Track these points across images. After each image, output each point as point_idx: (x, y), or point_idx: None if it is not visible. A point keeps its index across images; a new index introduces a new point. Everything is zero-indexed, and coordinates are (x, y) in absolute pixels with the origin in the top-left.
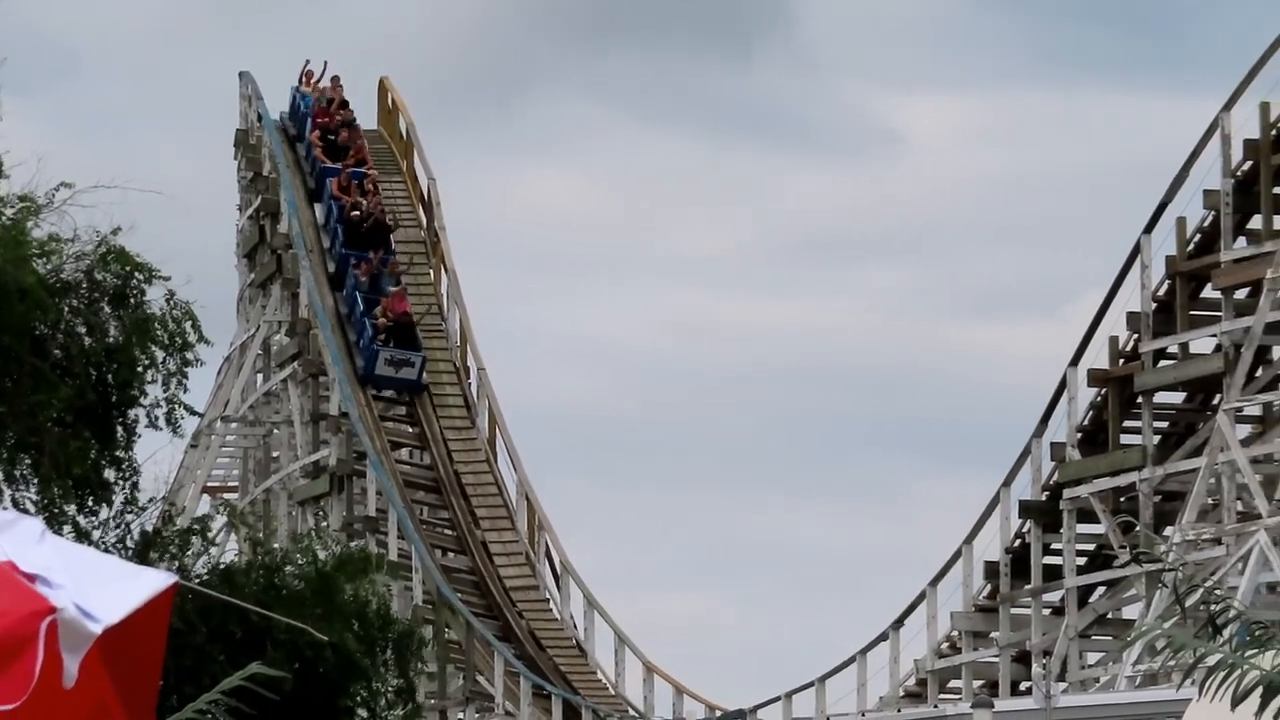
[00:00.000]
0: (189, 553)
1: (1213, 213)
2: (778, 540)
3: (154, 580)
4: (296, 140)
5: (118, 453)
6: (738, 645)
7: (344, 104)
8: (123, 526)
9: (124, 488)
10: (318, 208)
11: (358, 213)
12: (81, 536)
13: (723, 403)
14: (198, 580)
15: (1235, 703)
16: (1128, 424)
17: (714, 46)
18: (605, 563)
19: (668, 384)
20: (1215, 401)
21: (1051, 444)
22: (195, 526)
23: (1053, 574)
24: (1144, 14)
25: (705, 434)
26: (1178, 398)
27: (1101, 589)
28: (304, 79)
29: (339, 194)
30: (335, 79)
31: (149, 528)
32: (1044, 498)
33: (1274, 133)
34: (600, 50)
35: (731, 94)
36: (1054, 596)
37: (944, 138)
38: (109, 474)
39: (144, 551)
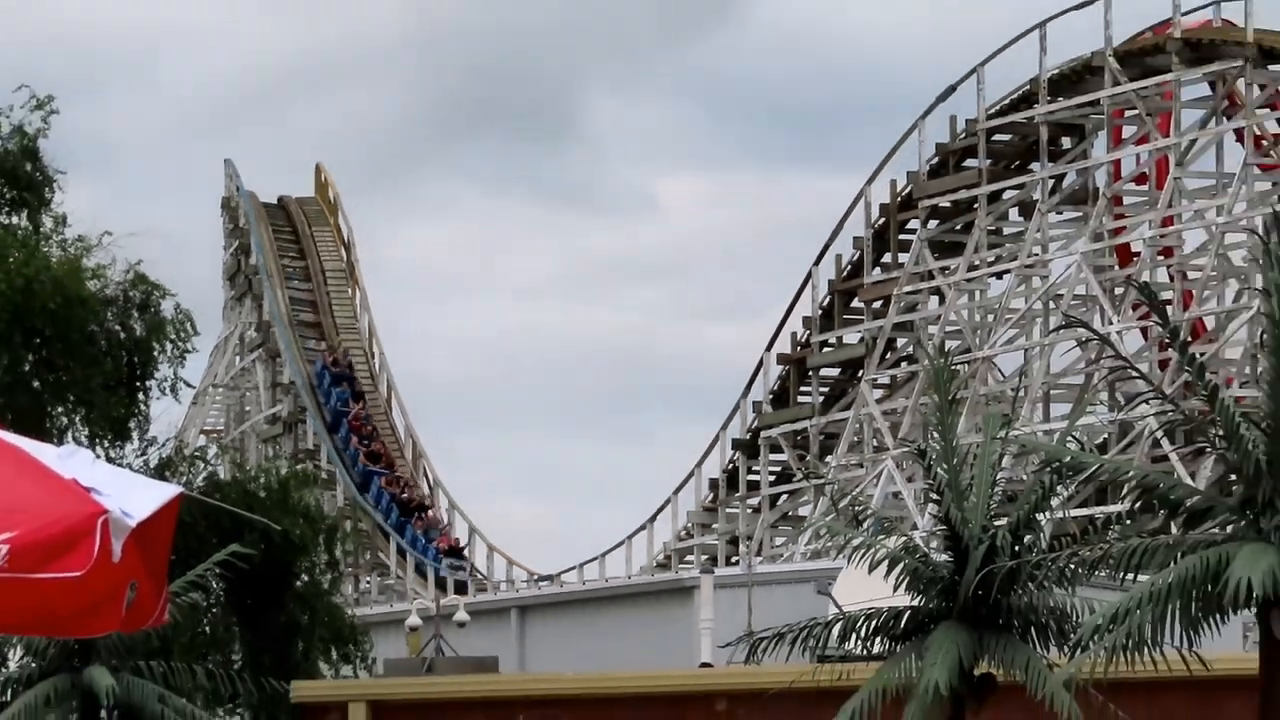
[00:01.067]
0: (192, 471)
1: (858, 251)
2: (575, 465)
3: (167, 490)
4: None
5: (139, 408)
6: (550, 533)
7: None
8: (145, 456)
9: (144, 431)
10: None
11: (405, 495)
12: (114, 463)
13: (543, 377)
14: (197, 490)
15: (870, 569)
16: (803, 389)
17: (535, 139)
18: (467, 478)
19: (509, 364)
20: (859, 374)
21: (754, 402)
22: (197, 454)
23: (753, 487)
24: (814, 119)
25: (531, 396)
26: (835, 372)
27: (785, 496)
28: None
29: (387, 486)
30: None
31: (165, 456)
32: (748, 436)
33: (898, 199)
34: (460, 142)
35: (547, 173)
36: (754, 501)
37: (686, 202)
38: (133, 424)
39: (160, 472)
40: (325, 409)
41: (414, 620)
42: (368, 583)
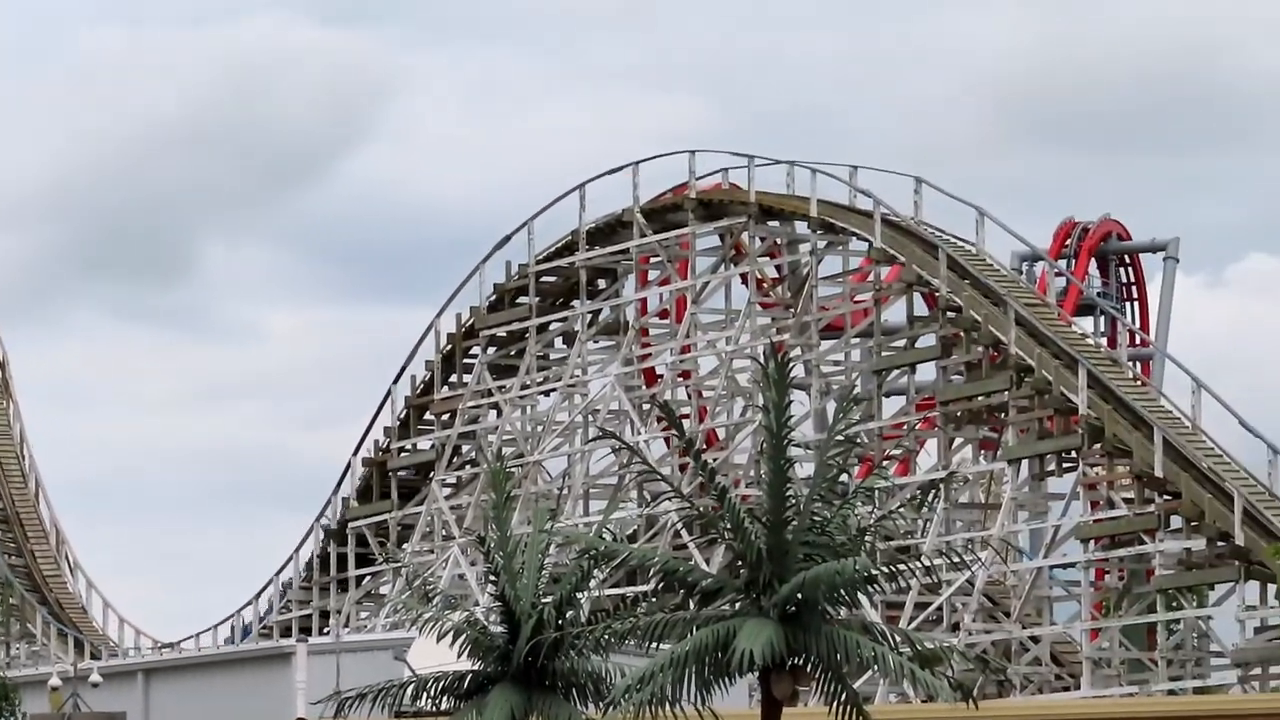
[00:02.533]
0: None
1: (430, 373)
2: (194, 550)
3: None
4: None
5: None
6: (172, 607)
7: None
8: None
9: None
10: None
11: None
12: None
13: (167, 476)
14: None
15: (439, 639)
16: (384, 487)
17: (159, 277)
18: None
19: (139, 465)
20: (431, 475)
21: (343, 498)
22: None
23: (342, 569)
24: (393, 261)
25: (157, 492)
26: (411, 473)
27: (369, 577)
28: None
29: None
30: None
31: None
32: (338, 527)
33: (463, 329)
34: (96, 278)
35: (168, 305)
36: (343, 581)
37: (287, 331)
38: None
39: None
40: None
41: (55, 681)
42: (17, 649)
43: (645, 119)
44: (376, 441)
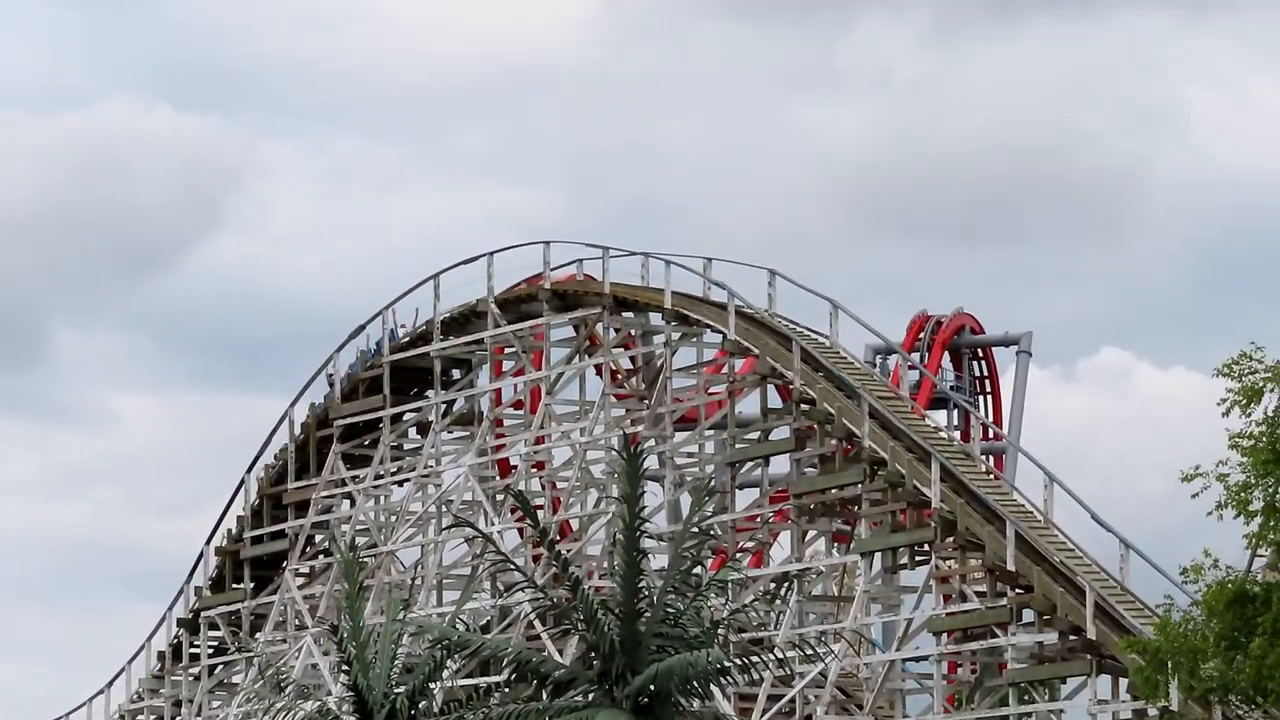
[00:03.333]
0: None
1: (283, 461)
2: (46, 638)
3: None
4: None
5: None
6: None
7: None
8: None
9: None
10: None
11: None
12: None
13: (20, 563)
14: None
15: None
16: (236, 576)
17: (12, 363)
18: None
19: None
20: (284, 565)
21: (196, 586)
22: None
23: (195, 658)
24: (247, 348)
25: (9, 577)
26: (264, 562)
27: (221, 666)
28: None
29: None
30: None
31: None
32: (190, 615)
33: (317, 418)
34: None
35: (23, 391)
36: (195, 670)
37: (140, 417)
38: None
39: None
40: None
41: None
42: None
43: (501, 209)
44: (230, 530)
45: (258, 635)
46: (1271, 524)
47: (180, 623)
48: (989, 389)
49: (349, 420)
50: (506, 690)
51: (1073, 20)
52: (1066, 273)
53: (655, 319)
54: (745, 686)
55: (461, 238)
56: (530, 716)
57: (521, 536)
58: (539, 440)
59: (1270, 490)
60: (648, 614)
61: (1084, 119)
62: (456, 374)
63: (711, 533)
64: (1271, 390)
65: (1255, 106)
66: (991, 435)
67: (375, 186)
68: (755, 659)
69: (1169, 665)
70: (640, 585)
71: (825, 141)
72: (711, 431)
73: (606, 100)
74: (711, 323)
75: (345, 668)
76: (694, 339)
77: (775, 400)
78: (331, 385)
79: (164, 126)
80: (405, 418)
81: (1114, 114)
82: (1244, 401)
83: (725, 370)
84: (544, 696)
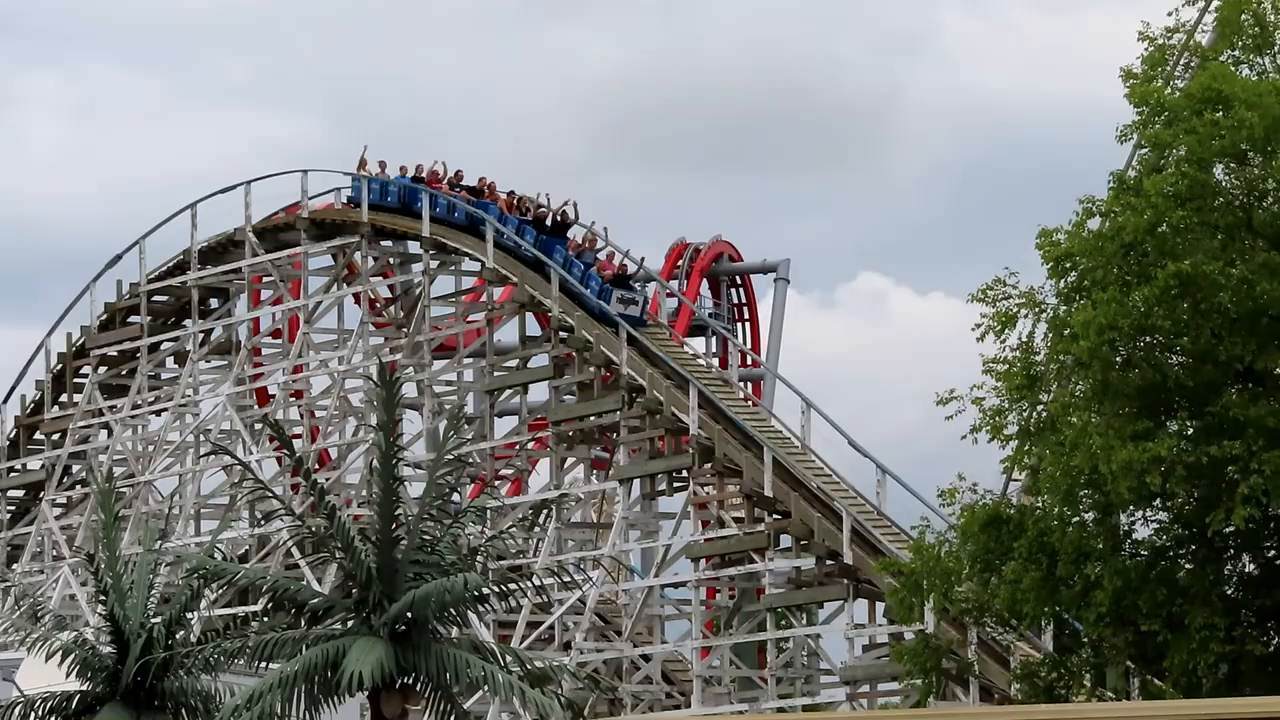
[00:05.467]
0: None
1: (40, 392)
2: None
3: None
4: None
5: None
6: None
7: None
8: None
9: None
10: None
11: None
12: None
13: None
14: None
15: (48, 658)
16: None
17: None
18: None
19: None
20: (41, 495)
21: None
22: None
23: None
24: (4, 279)
25: None
26: (21, 493)
27: None
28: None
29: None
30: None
31: None
32: None
33: (73, 349)
34: None
35: None
36: None
37: None
38: None
39: None
40: None
41: None
42: None
43: (261, 137)
44: None
45: (14, 566)
46: (1025, 448)
47: None
48: (747, 316)
49: (106, 350)
50: (264, 619)
51: None
52: (824, 199)
53: (413, 248)
54: (504, 613)
55: (222, 166)
56: (287, 645)
57: (280, 465)
58: (297, 369)
59: (1024, 414)
60: (404, 541)
61: (837, 42)
62: (214, 303)
63: (469, 460)
64: (1025, 316)
65: (1009, 30)
66: (750, 362)
67: (136, 115)
68: (513, 586)
69: (924, 588)
70: (397, 513)
71: (580, 67)
72: (470, 360)
73: (365, 28)
74: (470, 251)
75: (101, 598)
76: (452, 268)
77: (534, 328)
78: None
79: None
80: (163, 347)
81: (867, 37)
82: (998, 327)
83: (484, 299)
84: (302, 625)
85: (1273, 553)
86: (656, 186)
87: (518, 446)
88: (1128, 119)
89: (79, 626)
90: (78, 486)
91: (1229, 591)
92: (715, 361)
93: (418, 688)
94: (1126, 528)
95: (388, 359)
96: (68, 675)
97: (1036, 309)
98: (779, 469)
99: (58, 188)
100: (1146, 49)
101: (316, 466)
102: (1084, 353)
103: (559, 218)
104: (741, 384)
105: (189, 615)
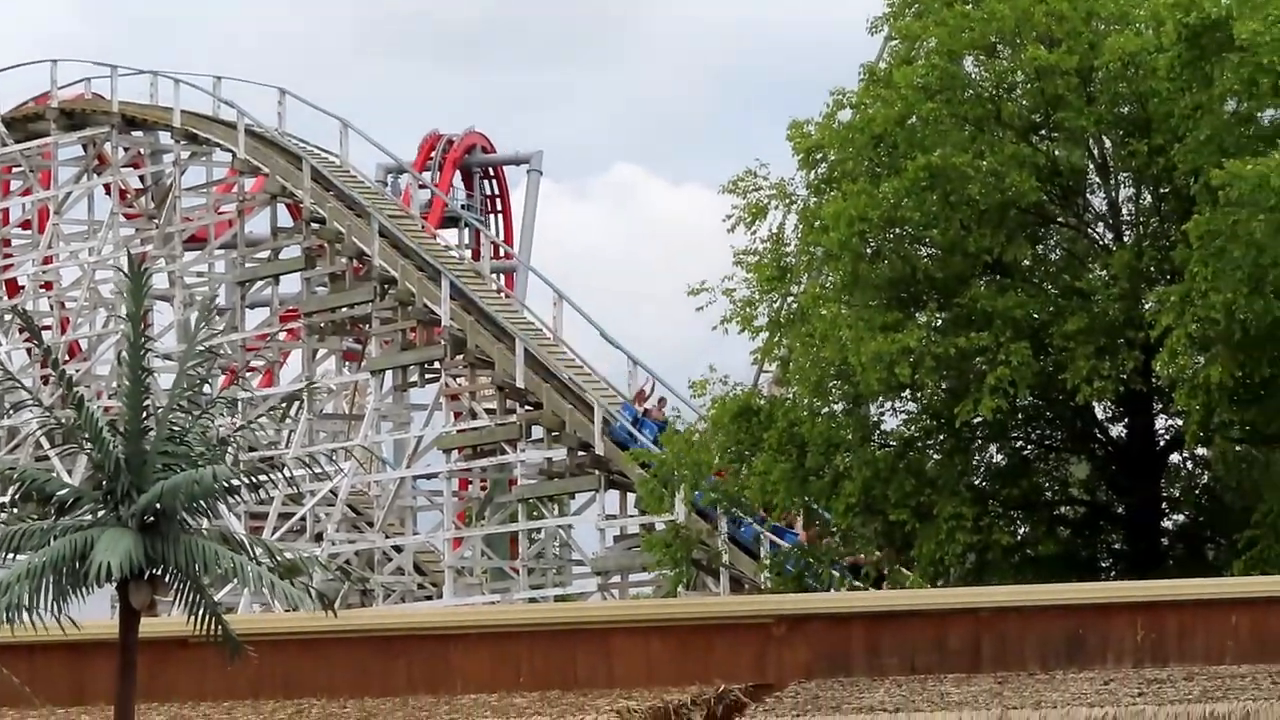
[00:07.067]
0: None
1: None
2: None
3: None
4: None
5: None
6: None
7: None
8: None
9: None
10: None
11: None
12: None
13: None
14: None
15: None
16: None
17: None
18: None
19: None
20: None
21: None
22: None
23: None
24: None
25: None
26: None
27: None
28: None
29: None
30: None
31: None
32: None
33: None
34: None
35: None
36: None
37: None
38: None
39: None
40: None
41: None
42: None
43: (10, 25)
44: None
45: None
46: (776, 339)
47: None
48: (500, 208)
49: None
50: (12, 510)
51: None
52: (579, 91)
53: (165, 138)
54: (255, 505)
55: None
56: (35, 536)
57: (29, 356)
58: (47, 260)
59: (774, 306)
60: (154, 433)
61: None
62: None
63: (220, 351)
64: (776, 207)
65: None
66: (502, 254)
67: None
68: (264, 477)
69: (674, 479)
70: (146, 404)
71: None
72: (221, 251)
73: None
74: (221, 141)
75: None
76: (204, 158)
77: (286, 219)
78: None
79: None
80: None
81: None
82: (749, 219)
83: (235, 190)
84: (50, 516)
85: (1019, 443)
86: (410, 78)
87: (269, 338)
88: (879, 11)
89: None
90: None
91: (976, 482)
92: (468, 253)
93: (167, 579)
94: (875, 419)
95: (138, 250)
96: None
97: (787, 201)
98: (531, 360)
99: None
100: None
101: (66, 358)
102: (834, 244)
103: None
104: (494, 276)
105: None
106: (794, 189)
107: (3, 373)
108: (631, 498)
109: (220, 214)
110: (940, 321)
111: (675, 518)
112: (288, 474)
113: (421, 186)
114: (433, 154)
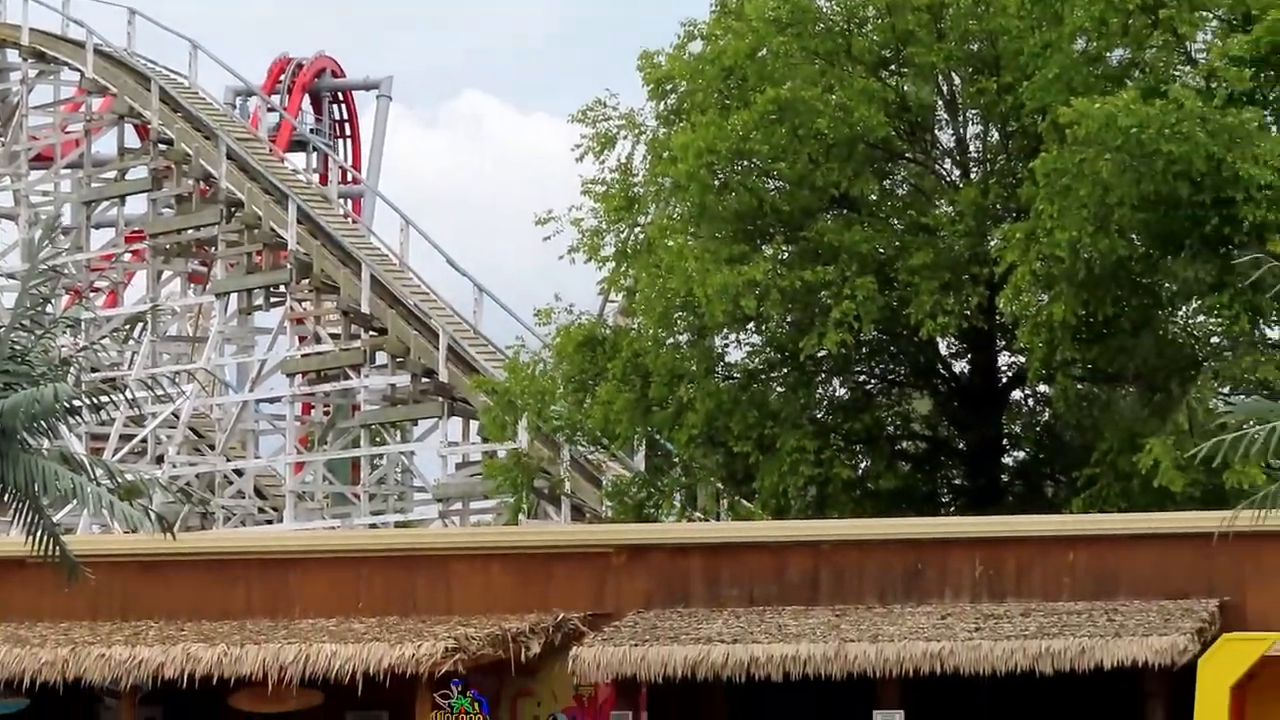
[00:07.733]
0: None
1: None
2: None
3: None
4: None
5: None
6: None
7: None
8: None
9: None
10: None
11: None
12: None
13: None
14: None
15: None
16: None
17: None
18: None
19: None
20: None
21: None
22: None
23: None
24: None
25: None
26: None
27: None
28: None
29: None
30: None
31: None
32: None
33: None
34: None
35: None
36: None
37: None
38: None
39: None
40: None
41: None
42: None
43: None
44: None
45: None
46: (622, 269)
47: None
48: (349, 133)
49: None
50: None
51: None
52: (430, 16)
53: (11, 56)
54: (96, 426)
55: None
56: None
57: None
58: None
59: (622, 236)
60: None
61: None
62: None
63: (64, 271)
64: (625, 138)
65: None
66: (350, 179)
67: None
68: (106, 398)
69: (517, 406)
70: None
71: None
72: (67, 170)
73: None
74: (69, 60)
75: None
76: (51, 77)
77: (133, 140)
78: None
79: None
80: None
81: None
82: (597, 148)
83: (83, 109)
84: None
85: (862, 377)
86: (263, 1)
87: (114, 258)
88: None
89: None
90: None
91: (819, 415)
92: (315, 178)
93: (5, 499)
94: (720, 351)
95: None
96: None
97: (636, 131)
98: (377, 286)
99: None
100: None
101: None
102: (682, 176)
103: None
104: (342, 201)
105: None
106: (643, 119)
107: None
108: (474, 425)
109: (67, 133)
110: (786, 255)
111: (518, 445)
112: (130, 395)
113: (270, 110)
114: (282, 77)
